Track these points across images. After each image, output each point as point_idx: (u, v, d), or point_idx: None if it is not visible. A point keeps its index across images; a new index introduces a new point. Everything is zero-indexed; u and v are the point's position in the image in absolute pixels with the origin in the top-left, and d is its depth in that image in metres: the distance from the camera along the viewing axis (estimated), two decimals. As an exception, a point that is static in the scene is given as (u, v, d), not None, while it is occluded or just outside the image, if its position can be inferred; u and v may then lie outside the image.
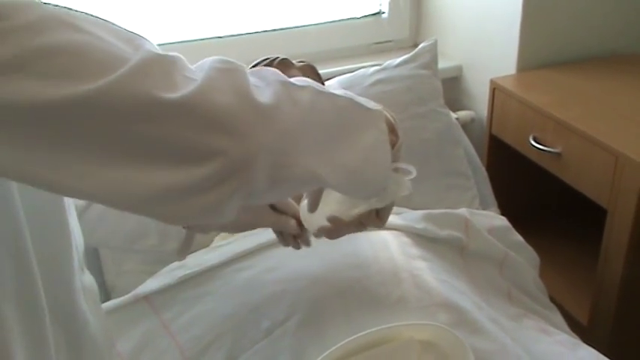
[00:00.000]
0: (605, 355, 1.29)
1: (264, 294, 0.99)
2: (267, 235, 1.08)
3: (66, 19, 0.49)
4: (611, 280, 1.36)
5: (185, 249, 0.91)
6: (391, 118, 0.76)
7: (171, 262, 1.10)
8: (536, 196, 1.76)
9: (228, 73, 0.55)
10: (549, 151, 1.43)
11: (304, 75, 1.27)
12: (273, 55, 1.26)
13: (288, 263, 1.03)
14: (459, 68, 1.83)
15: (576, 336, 1.16)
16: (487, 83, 1.64)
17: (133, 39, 0.52)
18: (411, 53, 1.50)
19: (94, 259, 1.32)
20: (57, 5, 0.49)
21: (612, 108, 1.45)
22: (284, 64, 1.25)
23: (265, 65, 1.25)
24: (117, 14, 1.63)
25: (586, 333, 1.42)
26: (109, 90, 0.47)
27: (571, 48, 1.67)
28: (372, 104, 0.68)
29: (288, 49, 1.77)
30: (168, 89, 0.50)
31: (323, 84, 1.34)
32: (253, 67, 1.27)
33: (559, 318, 1.21)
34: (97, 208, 0.96)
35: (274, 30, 1.82)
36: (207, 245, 1.19)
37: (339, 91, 0.67)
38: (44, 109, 0.46)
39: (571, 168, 1.41)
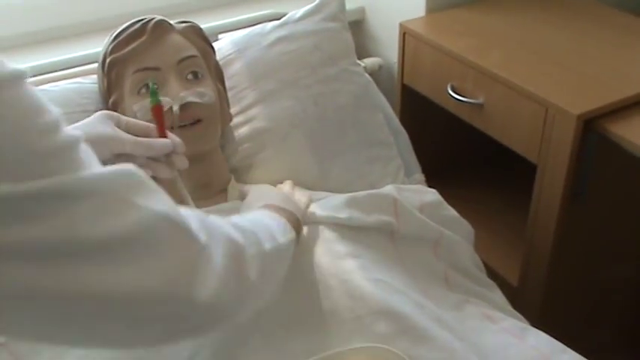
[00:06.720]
0: (536, 316, 1.22)
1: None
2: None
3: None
4: (541, 238, 1.27)
5: None
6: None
7: None
8: (456, 151, 1.62)
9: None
10: (470, 102, 1.29)
11: (186, 39, 1.03)
12: (147, 17, 1.01)
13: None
14: (362, 10, 1.63)
15: (523, 318, 1.05)
16: (394, 26, 1.46)
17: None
18: (314, 3, 1.27)
19: None
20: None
21: (536, 51, 1.31)
22: (161, 28, 1.00)
23: (138, 28, 1.00)
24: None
25: (517, 294, 1.34)
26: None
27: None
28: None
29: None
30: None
31: (212, 48, 1.10)
32: (123, 30, 1.02)
33: (499, 296, 1.09)
34: None
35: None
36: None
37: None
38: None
39: (495, 120, 1.28)
